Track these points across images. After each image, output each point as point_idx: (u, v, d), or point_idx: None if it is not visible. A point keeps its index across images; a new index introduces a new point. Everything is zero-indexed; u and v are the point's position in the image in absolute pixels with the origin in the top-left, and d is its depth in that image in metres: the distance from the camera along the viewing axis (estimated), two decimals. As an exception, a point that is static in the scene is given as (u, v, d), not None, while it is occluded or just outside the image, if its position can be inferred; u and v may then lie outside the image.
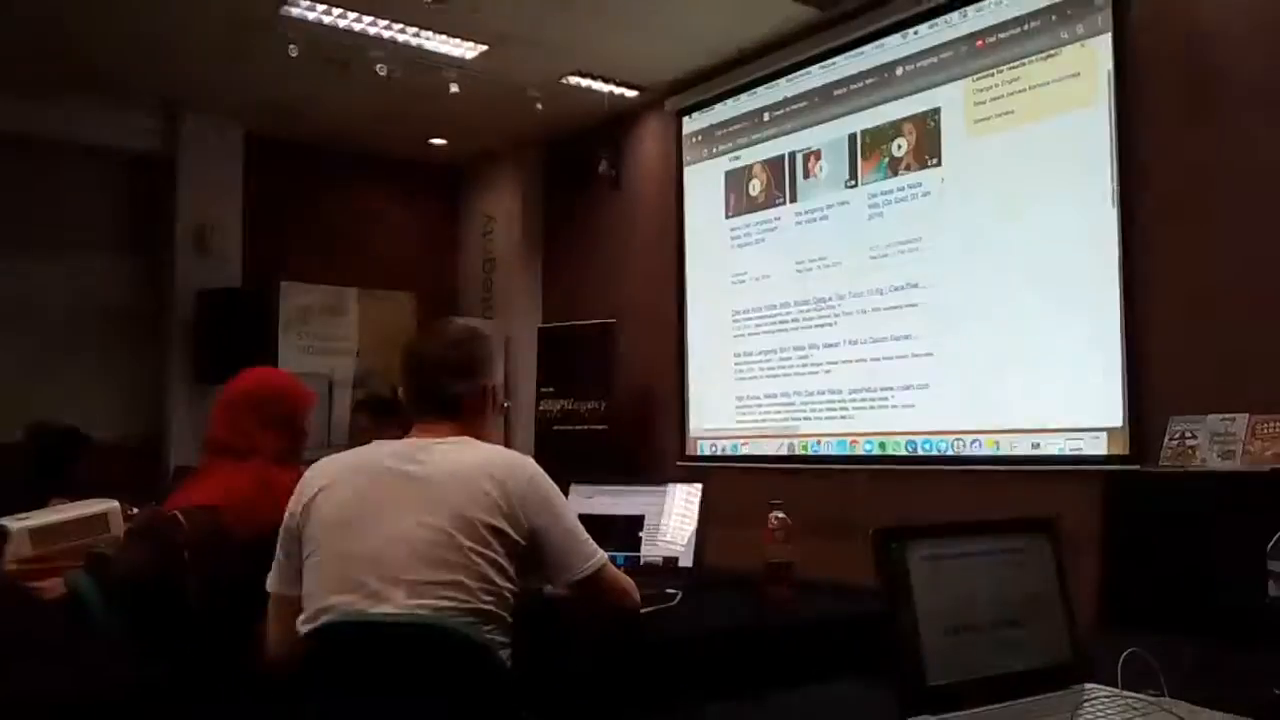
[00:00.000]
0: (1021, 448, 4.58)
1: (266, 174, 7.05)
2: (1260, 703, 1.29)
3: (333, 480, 1.86)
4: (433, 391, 1.96)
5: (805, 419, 5.58)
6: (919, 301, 5.06)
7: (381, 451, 1.90)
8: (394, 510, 1.78)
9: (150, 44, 5.70)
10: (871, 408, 5.24)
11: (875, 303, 5.25)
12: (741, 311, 6.00)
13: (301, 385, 2.62)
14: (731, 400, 6.02)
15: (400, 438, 1.97)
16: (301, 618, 1.79)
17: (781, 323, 5.75)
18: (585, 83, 6.34)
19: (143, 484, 3.87)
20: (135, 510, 2.58)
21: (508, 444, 7.25)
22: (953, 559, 1.39)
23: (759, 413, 5.85)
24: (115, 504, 2.37)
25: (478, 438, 1.96)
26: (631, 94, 6.54)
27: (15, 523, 2.14)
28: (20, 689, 1.72)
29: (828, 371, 5.48)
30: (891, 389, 5.15)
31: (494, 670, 1.73)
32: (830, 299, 5.48)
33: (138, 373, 6.81)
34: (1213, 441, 3.74)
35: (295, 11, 5.31)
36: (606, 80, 6.35)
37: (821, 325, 5.52)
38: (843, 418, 5.38)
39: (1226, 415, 3.74)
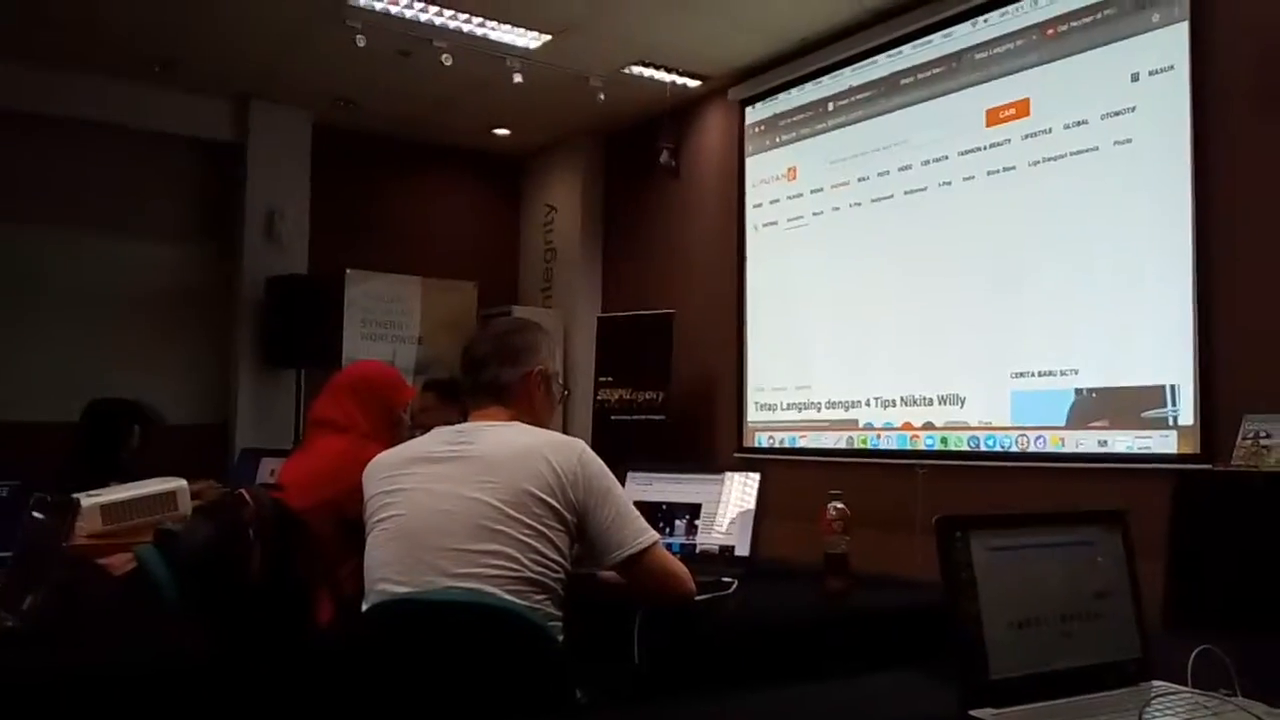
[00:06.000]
0: (1088, 445, 4.49)
1: (333, 162, 7.15)
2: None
3: (388, 471, 1.93)
4: (480, 380, 2.03)
5: (865, 412, 5.52)
6: (989, 296, 4.97)
7: (433, 440, 1.95)
8: (443, 488, 1.83)
9: (223, 32, 5.80)
10: (934, 402, 5.17)
11: (943, 296, 5.17)
12: (803, 303, 5.95)
13: (400, 378, 2.87)
14: (791, 392, 5.97)
15: (459, 421, 2.02)
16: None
17: (844, 314, 5.69)
18: (648, 72, 6.33)
19: (210, 466, 3.93)
20: (224, 489, 2.65)
21: (565, 432, 7.32)
22: (1019, 550, 1.36)
23: (818, 405, 5.80)
24: (183, 482, 2.41)
25: (533, 424, 1.98)
26: (694, 84, 6.51)
27: (87, 498, 2.20)
28: (91, 660, 1.76)
29: (891, 363, 5.41)
30: (956, 382, 5.07)
31: (545, 644, 1.74)
32: (897, 290, 5.41)
33: (207, 357, 6.96)
34: (1289, 441, 3.62)
35: (362, 1, 5.38)
36: (669, 70, 6.33)
37: (886, 317, 5.45)
38: (904, 410, 5.31)
39: (1303, 414, 3.62)
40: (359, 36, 5.55)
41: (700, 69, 6.35)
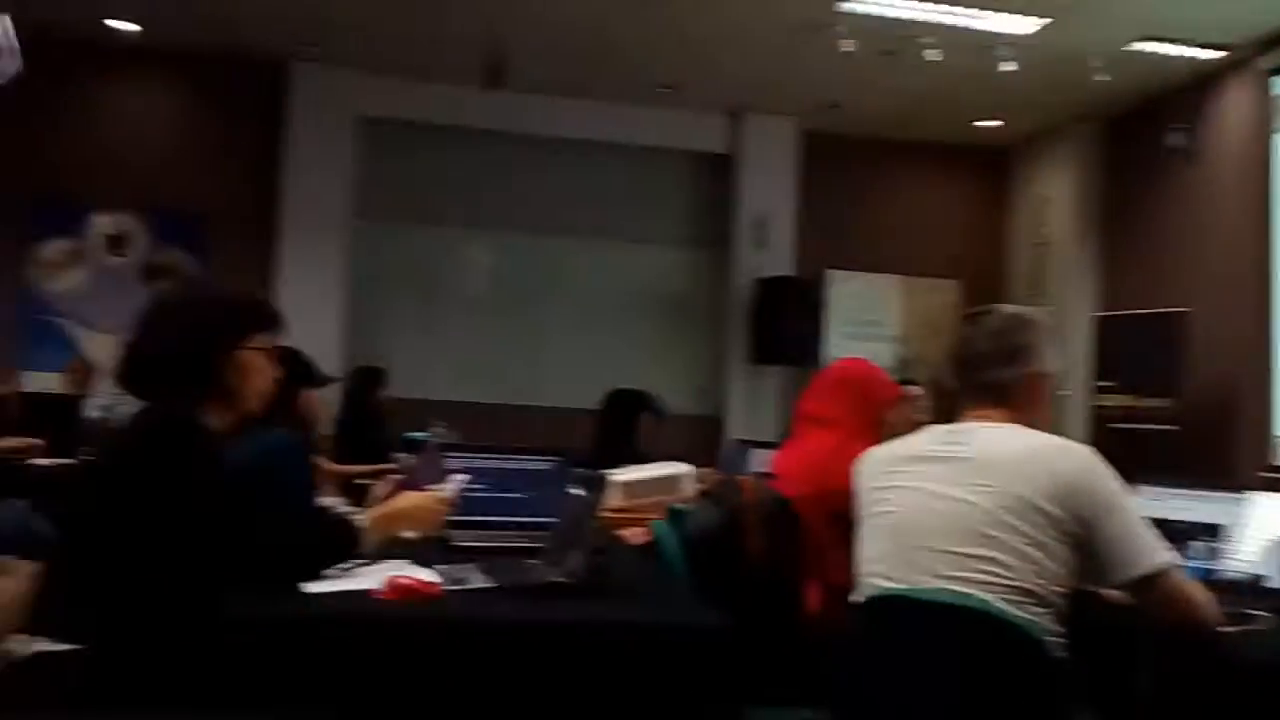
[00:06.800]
0: None
1: (816, 167, 7.41)
2: None
3: (881, 467, 1.95)
4: (975, 380, 1.95)
5: None
6: None
7: (926, 438, 1.92)
8: (935, 488, 1.80)
9: (719, 52, 6.25)
10: None
11: None
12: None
13: (887, 378, 2.83)
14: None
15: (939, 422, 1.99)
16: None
17: None
18: (1155, 47, 5.78)
19: (703, 455, 4.25)
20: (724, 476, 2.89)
21: (1056, 438, 6.84)
22: None
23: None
24: (688, 468, 2.66)
25: (1028, 427, 1.90)
26: (1212, 55, 5.82)
27: (614, 476, 2.50)
28: (605, 618, 1.99)
29: None
30: None
31: (1041, 658, 1.67)
32: None
33: (700, 354, 7.55)
34: None
35: (849, 6, 5.48)
36: (1181, 42, 5.72)
37: None
38: None
39: None
40: (845, 41, 5.66)
41: (1219, 39, 5.67)
